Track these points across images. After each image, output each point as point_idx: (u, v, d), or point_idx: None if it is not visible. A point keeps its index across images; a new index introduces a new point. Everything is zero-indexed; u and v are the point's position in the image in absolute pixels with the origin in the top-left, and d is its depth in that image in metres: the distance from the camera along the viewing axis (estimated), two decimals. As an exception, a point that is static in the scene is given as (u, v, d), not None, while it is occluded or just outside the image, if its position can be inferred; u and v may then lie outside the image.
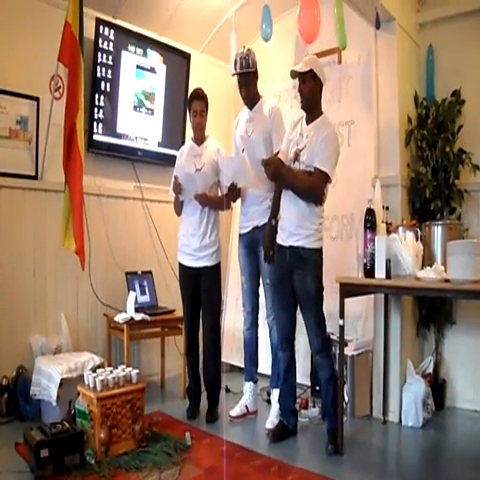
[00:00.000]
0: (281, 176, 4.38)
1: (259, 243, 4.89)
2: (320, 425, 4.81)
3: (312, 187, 4.30)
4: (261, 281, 5.07)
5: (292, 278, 4.42)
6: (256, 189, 4.86)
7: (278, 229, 4.57)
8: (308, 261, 4.34)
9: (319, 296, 4.39)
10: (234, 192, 4.93)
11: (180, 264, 5.28)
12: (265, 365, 5.42)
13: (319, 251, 4.40)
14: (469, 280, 3.77)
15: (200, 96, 5.14)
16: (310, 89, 4.40)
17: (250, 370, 5.23)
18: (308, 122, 4.49)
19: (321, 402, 4.70)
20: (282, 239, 4.48)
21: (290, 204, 4.41)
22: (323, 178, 4.27)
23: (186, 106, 5.75)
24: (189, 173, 5.02)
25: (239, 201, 5.13)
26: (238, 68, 4.84)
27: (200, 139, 5.26)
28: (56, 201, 5.29)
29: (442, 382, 5.34)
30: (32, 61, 5.24)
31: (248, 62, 4.81)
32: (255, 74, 4.92)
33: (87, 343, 5.65)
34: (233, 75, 5.01)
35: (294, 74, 4.42)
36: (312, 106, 4.47)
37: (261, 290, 5.12)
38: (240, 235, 5.16)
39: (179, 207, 5.26)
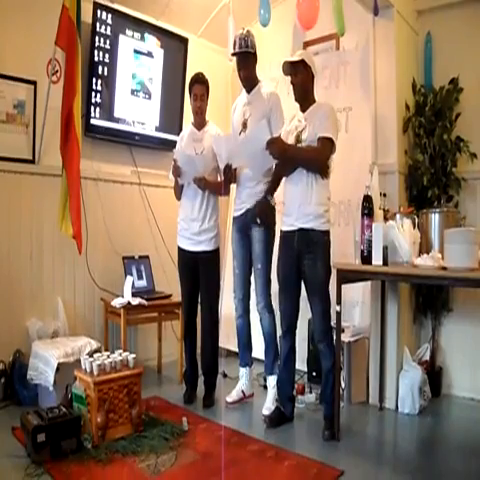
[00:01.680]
0: (286, 152, 4.37)
1: (251, 226, 4.89)
2: (316, 411, 4.84)
3: (319, 153, 4.32)
4: (252, 266, 5.05)
5: (300, 264, 4.42)
6: (250, 171, 4.86)
7: (282, 216, 4.59)
8: (318, 244, 4.35)
9: (328, 281, 4.41)
10: (229, 173, 4.92)
11: (179, 248, 5.29)
12: (260, 350, 5.43)
13: (328, 233, 4.42)
14: (466, 268, 3.77)
15: (201, 80, 5.14)
16: (302, 80, 4.45)
17: (244, 356, 5.25)
18: (303, 111, 4.53)
19: (321, 389, 4.72)
20: (288, 224, 4.48)
21: (296, 185, 4.42)
22: (328, 144, 4.30)
23: (183, 91, 5.76)
24: (188, 155, 5.01)
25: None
26: (237, 47, 4.83)
27: (200, 123, 5.27)
28: (53, 185, 5.28)
29: (439, 369, 5.37)
30: (29, 45, 5.21)
31: (247, 43, 4.80)
32: (254, 56, 4.91)
33: (84, 327, 5.66)
34: (232, 55, 4.97)
35: (287, 69, 4.47)
36: (306, 97, 4.53)
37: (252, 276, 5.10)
38: (234, 218, 5.14)
39: (179, 191, 5.26)
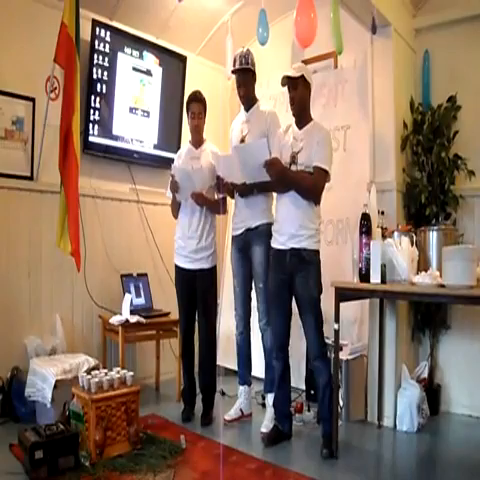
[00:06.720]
0: (285, 176, 4.38)
1: (252, 245, 4.89)
2: (315, 429, 4.82)
3: (316, 185, 4.35)
4: (253, 284, 5.04)
5: (292, 282, 4.42)
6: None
7: (273, 233, 4.59)
8: (310, 263, 4.37)
9: (320, 298, 4.41)
10: (222, 185, 4.92)
11: (176, 266, 5.27)
12: (259, 368, 5.42)
13: (318, 253, 4.44)
14: (464, 286, 3.76)
15: (198, 98, 5.15)
16: (302, 95, 4.48)
17: (244, 374, 5.22)
18: (300, 127, 4.54)
19: (317, 406, 4.71)
20: (280, 243, 4.48)
21: (290, 205, 4.42)
22: (324, 175, 4.35)
23: (182, 109, 5.76)
24: (186, 170, 5.01)
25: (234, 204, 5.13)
26: (237, 64, 4.85)
27: (198, 142, 5.27)
28: (52, 202, 5.29)
29: (437, 387, 5.35)
30: (28, 62, 5.24)
31: (248, 60, 4.83)
32: (254, 75, 4.95)
33: (82, 345, 5.63)
34: (232, 72, 4.99)
35: (285, 81, 4.47)
36: (304, 112, 4.55)
37: (253, 293, 5.08)
38: (233, 237, 5.14)
39: (176, 208, 5.25)
